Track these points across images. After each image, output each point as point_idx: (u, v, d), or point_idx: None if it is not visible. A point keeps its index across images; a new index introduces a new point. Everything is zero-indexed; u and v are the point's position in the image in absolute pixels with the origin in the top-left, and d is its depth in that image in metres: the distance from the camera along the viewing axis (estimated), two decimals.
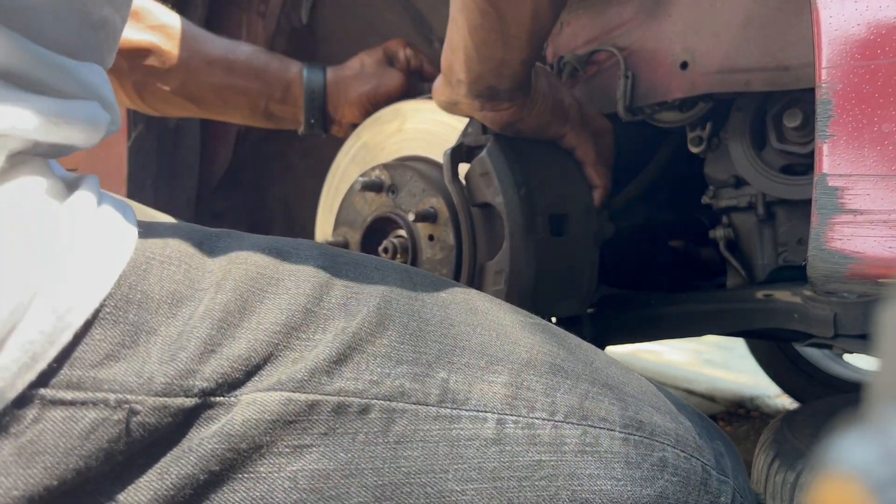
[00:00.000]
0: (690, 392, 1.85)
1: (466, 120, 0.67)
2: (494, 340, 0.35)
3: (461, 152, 0.65)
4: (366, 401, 0.29)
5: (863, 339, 0.68)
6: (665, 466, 0.37)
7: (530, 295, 0.64)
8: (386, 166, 0.72)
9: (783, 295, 0.72)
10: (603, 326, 0.87)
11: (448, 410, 0.31)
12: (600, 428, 0.35)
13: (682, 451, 0.39)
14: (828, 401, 0.87)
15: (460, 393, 0.32)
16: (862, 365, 1.54)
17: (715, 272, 0.99)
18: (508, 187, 0.63)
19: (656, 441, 0.38)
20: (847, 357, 1.55)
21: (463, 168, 0.67)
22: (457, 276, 0.67)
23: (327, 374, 0.29)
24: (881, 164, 0.38)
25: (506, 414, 0.32)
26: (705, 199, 0.77)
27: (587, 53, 0.73)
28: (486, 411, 0.32)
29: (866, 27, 0.39)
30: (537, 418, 0.33)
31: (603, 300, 0.90)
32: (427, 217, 0.67)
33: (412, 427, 0.30)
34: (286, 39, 1.02)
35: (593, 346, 0.44)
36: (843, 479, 0.13)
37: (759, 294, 0.74)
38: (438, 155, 0.68)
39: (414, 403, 0.30)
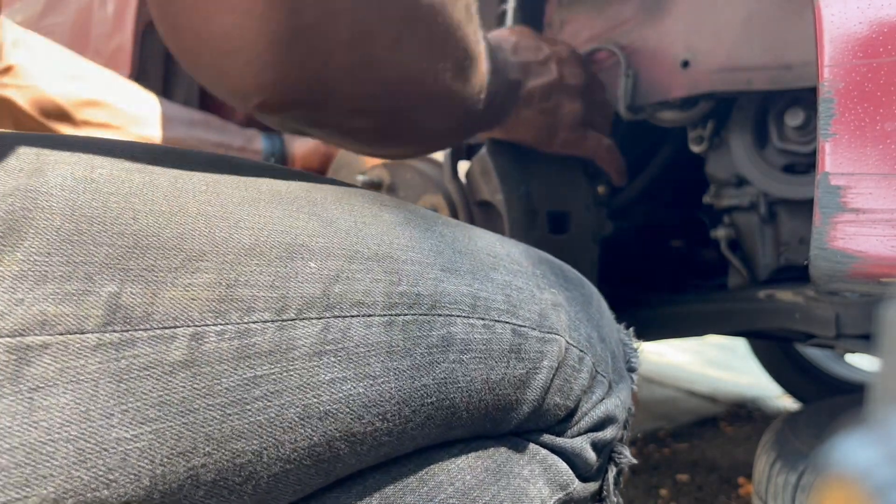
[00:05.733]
0: (692, 393, 1.85)
1: None
2: (201, 226, 0.26)
3: (461, 151, 0.65)
4: None
5: (865, 339, 0.68)
6: (450, 344, 0.31)
7: None
8: (386, 165, 0.72)
9: (785, 295, 0.72)
10: None
11: (116, 335, 0.23)
12: (351, 316, 0.28)
13: (481, 319, 0.33)
14: (830, 402, 0.87)
15: (136, 308, 0.23)
16: (864, 365, 1.53)
17: (716, 272, 0.99)
18: (508, 185, 0.63)
19: (438, 315, 0.31)
20: (849, 357, 1.55)
21: (463, 166, 0.67)
22: None
23: None
24: (883, 162, 0.38)
25: (206, 325, 0.25)
26: (707, 199, 0.77)
27: (588, 52, 0.73)
28: (175, 326, 0.24)
29: (868, 25, 0.39)
30: (255, 321, 0.26)
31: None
32: None
33: (57, 366, 0.22)
34: None
35: (392, 201, 0.36)
36: (846, 480, 0.13)
37: (761, 294, 0.74)
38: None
39: (61, 334, 0.22)
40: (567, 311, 0.38)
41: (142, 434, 0.23)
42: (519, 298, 0.35)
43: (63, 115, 0.72)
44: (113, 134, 0.74)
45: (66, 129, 0.72)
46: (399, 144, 0.45)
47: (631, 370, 0.44)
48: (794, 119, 0.65)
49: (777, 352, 1.54)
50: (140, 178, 0.26)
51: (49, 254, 0.23)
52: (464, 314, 0.32)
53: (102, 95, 0.73)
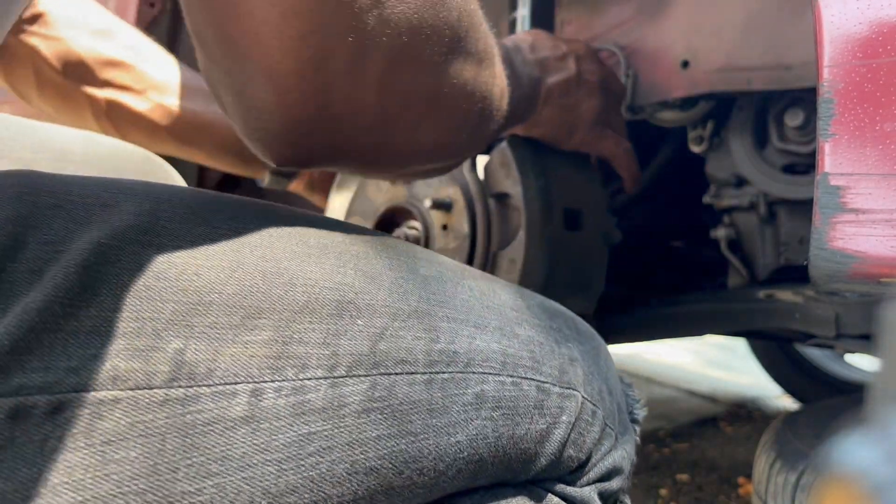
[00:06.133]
0: (692, 393, 1.85)
1: None
2: (259, 283, 0.27)
3: None
4: (58, 396, 0.22)
5: (865, 340, 0.68)
6: (482, 402, 0.32)
7: (542, 286, 0.64)
8: None
9: (785, 295, 0.72)
10: (604, 326, 0.87)
11: (181, 391, 0.24)
12: (396, 374, 0.29)
13: (510, 377, 0.34)
14: (829, 402, 0.87)
15: (200, 365, 0.24)
16: (863, 365, 1.53)
17: (716, 272, 0.99)
18: (527, 177, 0.63)
19: (472, 373, 0.32)
20: (848, 357, 1.55)
21: (481, 160, 0.68)
22: (469, 265, 0.68)
23: (1, 370, 0.22)
24: (883, 162, 0.38)
25: (265, 381, 0.25)
26: (706, 199, 0.77)
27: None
28: (236, 383, 0.25)
29: (868, 26, 0.39)
30: (310, 379, 0.26)
31: (604, 300, 0.90)
32: (443, 206, 0.67)
33: (128, 420, 0.22)
34: None
35: (423, 253, 0.37)
36: (845, 480, 0.13)
37: (761, 294, 0.74)
38: None
39: (131, 389, 0.23)
40: (582, 366, 0.39)
41: (205, 488, 0.23)
42: (541, 354, 0.37)
43: (85, 74, 0.70)
44: (132, 98, 0.72)
45: (86, 90, 0.70)
46: (419, 171, 0.47)
47: (634, 421, 0.45)
48: (793, 119, 0.65)
49: (777, 352, 1.54)
50: (200, 230, 0.28)
51: (119, 310, 0.24)
52: (495, 371, 0.33)
53: (128, 57, 0.71)
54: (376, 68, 0.33)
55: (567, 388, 0.37)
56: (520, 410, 0.34)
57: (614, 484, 0.41)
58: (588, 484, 0.39)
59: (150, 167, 0.66)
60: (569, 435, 0.37)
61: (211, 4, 0.30)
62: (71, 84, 0.70)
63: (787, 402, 1.73)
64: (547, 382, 0.36)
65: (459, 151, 0.46)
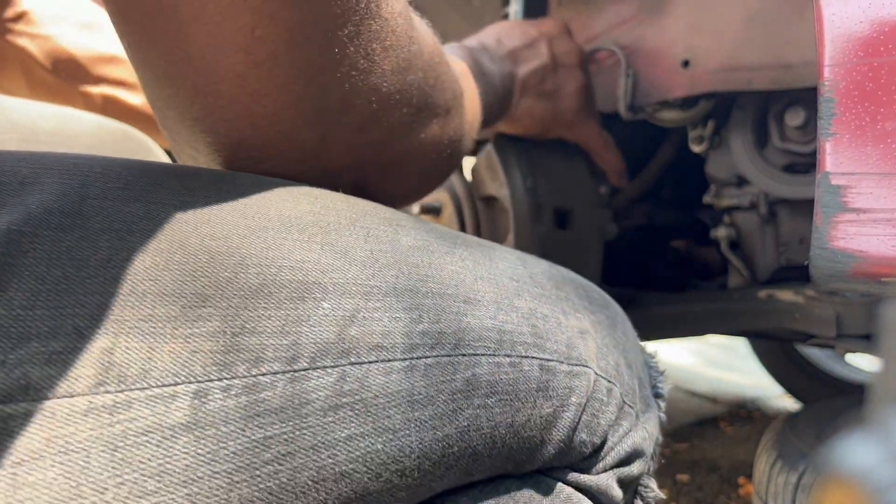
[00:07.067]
0: (692, 393, 1.85)
1: None
2: (203, 266, 0.23)
3: None
4: None
5: (866, 339, 0.68)
6: (474, 389, 0.28)
7: None
8: None
9: (785, 295, 0.72)
10: None
11: (109, 397, 0.20)
12: (370, 363, 0.25)
13: (507, 356, 0.30)
14: (830, 402, 0.87)
15: (132, 365, 0.21)
16: (864, 365, 1.53)
17: (717, 272, 0.99)
18: (514, 179, 0.63)
19: (462, 355, 0.28)
20: (849, 357, 1.55)
21: (468, 162, 0.67)
22: None
23: None
24: (884, 162, 0.38)
25: (210, 380, 0.22)
26: (707, 199, 0.77)
27: (588, 52, 0.73)
28: (175, 384, 0.21)
29: (869, 25, 0.38)
30: (265, 374, 0.23)
31: None
32: (431, 210, 0.67)
33: (43, 436, 0.19)
34: None
35: (409, 221, 0.32)
36: (846, 480, 0.13)
37: (762, 294, 0.74)
38: None
39: (49, 399, 0.19)
40: (594, 338, 0.35)
41: None
42: (545, 328, 0.33)
43: (78, 71, 0.69)
44: (127, 93, 0.71)
45: (80, 87, 0.69)
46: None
47: (658, 396, 0.42)
48: (794, 119, 0.65)
49: (777, 352, 1.54)
50: (135, 208, 0.24)
51: (33, 307, 0.20)
52: (489, 352, 0.29)
53: (119, 50, 0.70)
54: (346, 136, 0.31)
55: (576, 364, 0.33)
56: (520, 395, 0.30)
57: (635, 468, 0.37)
58: (605, 470, 0.35)
59: (131, 144, 0.62)
60: (580, 418, 0.33)
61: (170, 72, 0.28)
62: (63, 82, 0.69)
63: (788, 403, 1.72)
64: (552, 360, 0.32)
65: (435, 187, 0.44)
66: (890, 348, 0.15)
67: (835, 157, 0.39)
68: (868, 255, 0.38)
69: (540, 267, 0.37)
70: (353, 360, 0.25)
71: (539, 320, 0.33)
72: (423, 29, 0.35)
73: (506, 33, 0.60)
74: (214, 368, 0.22)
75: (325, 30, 0.28)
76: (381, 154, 0.35)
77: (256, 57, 0.27)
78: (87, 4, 0.72)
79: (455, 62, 0.45)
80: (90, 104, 0.71)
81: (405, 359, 0.26)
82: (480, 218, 0.66)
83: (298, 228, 0.27)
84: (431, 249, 0.31)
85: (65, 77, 0.69)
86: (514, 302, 0.32)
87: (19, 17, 0.66)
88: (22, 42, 0.66)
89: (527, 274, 0.35)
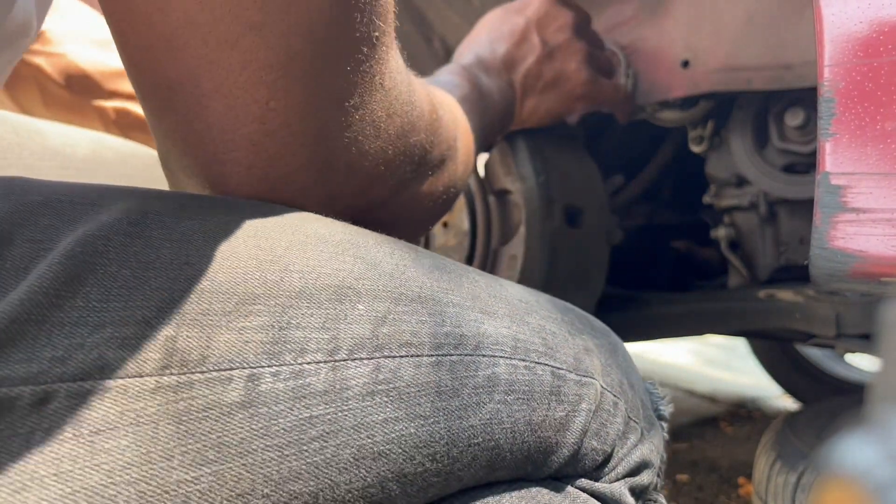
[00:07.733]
0: (692, 393, 1.85)
1: None
2: (253, 270, 0.27)
3: None
4: (43, 387, 0.21)
5: (865, 339, 0.68)
6: (495, 385, 0.31)
7: (542, 282, 0.64)
8: None
9: (785, 294, 0.72)
10: None
11: (174, 378, 0.23)
12: (401, 356, 0.28)
13: (522, 360, 0.33)
14: (830, 402, 0.87)
15: (193, 351, 0.24)
16: (864, 365, 1.53)
17: (717, 272, 0.99)
18: (527, 174, 0.64)
19: (482, 356, 0.31)
20: (849, 357, 1.55)
21: (482, 157, 0.68)
22: (469, 262, 0.67)
23: None
24: (884, 162, 0.38)
25: (262, 366, 0.25)
26: (707, 199, 0.77)
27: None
28: (231, 368, 0.24)
29: (868, 25, 0.38)
30: (309, 363, 0.26)
31: (604, 299, 0.90)
32: None
33: (117, 409, 0.22)
34: None
35: (423, 250, 0.36)
36: (846, 480, 0.13)
37: (761, 293, 0.74)
38: None
39: (121, 377, 0.22)
40: (598, 357, 0.38)
41: (202, 476, 0.23)
42: (555, 342, 0.36)
43: (91, 86, 0.70)
44: (139, 106, 0.72)
45: (93, 102, 0.70)
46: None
47: (661, 418, 0.44)
48: (794, 119, 0.65)
49: (777, 352, 1.54)
50: (190, 224, 0.27)
51: (107, 300, 0.24)
52: (506, 355, 0.32)
53: None
54: (353, 193, 0.35)
55: (584, 375, 0.36)
56: (535, 395, 0.33)
57: (644, 479, 0.39)
58: (616, 480, 0.38)
59: (161, 171, 0.66)
60: (589, 423, 0.35)
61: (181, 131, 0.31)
62: (77, 98, 0.70)
63: (788, 403, 1.73)
64: (562, 369, 0.35)
65: (430, 229, 0.48)
66: (890, 348, 0.15)
67: (834, 157, 0.39)
68: (868, 254, 0.38)
69: (544, 297, 0.41)
70: (386, 353, 0.28)
71: (548, 335, 0.36)
72: (420, 91, 0.39)
73: (496, 33, 0.60)
74: (265, 356, 0.25)
75: (333, 101, 0.31)
76: (383, 207, 0.38)
77: (270, 126, 0.30)
78: (101, 23, 0.73)
79: (445, 97, 0.47)
80: (103, 118, 0.72)
81: (432, 355, 0.30)
82: (491, 212, 0.66)
83: (333, 244, 0.31)
84: (448, 270, 0.35)
85: (78, 92, 0.70)
86: (525, 318, 0.35)
87: (36, 37, 0.68)
88: (37, 60, 0.68)
89: (533, 299, 0.39)
